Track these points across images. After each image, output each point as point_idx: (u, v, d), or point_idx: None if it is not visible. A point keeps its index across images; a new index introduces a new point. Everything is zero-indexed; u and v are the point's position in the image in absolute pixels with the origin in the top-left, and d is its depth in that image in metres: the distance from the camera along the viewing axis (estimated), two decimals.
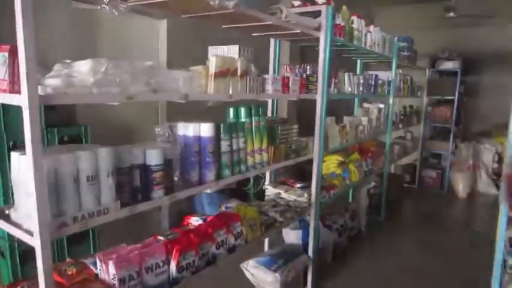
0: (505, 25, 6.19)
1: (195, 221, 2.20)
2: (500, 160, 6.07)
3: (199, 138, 1.82)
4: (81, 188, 1.34)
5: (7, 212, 1.39)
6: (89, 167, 1.34)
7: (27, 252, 2.22)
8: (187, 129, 1.81)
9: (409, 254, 3.73)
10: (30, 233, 1.24)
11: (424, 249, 3.84)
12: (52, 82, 1.21)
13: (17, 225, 1.32)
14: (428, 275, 3.29)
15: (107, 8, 1.50)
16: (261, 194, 3.83)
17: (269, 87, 2.19)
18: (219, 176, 1.92)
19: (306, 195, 2.78)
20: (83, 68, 1.29)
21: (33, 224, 1.20)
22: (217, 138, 1.88)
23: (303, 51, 4.86)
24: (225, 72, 1.82)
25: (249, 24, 2.23)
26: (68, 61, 1.33)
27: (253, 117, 2.14)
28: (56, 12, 2.64)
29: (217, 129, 1.88)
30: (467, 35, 6.56)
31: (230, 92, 1.89)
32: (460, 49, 6.36)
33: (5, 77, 1.18)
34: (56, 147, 1.46)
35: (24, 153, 1.20)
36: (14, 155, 1.30)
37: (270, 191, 2.93)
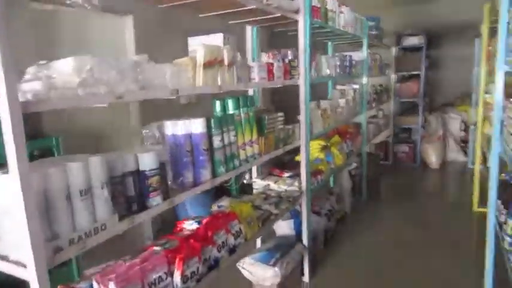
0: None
1: (189, 225, 2.10)
2: (466, 128, 6.37)
3: (190, 136, 1.72)
4: (74, 204, 1.20)
5: None
6: (81, 180, 1.21)
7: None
8: (176, 128, 1.69)
9: (393, 229, 3.83)
10: (22, 265, 1.10)
11: (406, 223, 3.96)
12: (31, 86, 1.06)
13: (3, 258, 1.17)
14: (414, 247, 3.40)
15: (80, 2, 1.35)
16: (243, 189, 3.76)
17: (255, 76, 2.11)
18: (214, 174, 1.83)
19: (296, 183, 2.75)
20: (66, 67, 1.14)
21: (25, 254, 1.06)
22: (208, 134, 1.79)
23: (271, 38, 4.78)
24: (212, 63, 1.72)
25: (227, 11, 2.13)
26: (44, 62, 1.18)
27: (241, 109, 2.05)
28: (11, 13, 2.39)
29: (207, 125, 1.78)
30: (428, 10, 6.74)
31: (219, 83, 1.79)
32: (423, 25, 6.54)
33: None
34: (38, 162, 1.30)
35: (5, 172, 1.06)
36: None
37: (258, 183, 2.87)
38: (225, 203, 2.39)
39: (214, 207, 2.38)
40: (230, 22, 2.51)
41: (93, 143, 2.94)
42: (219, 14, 2.21)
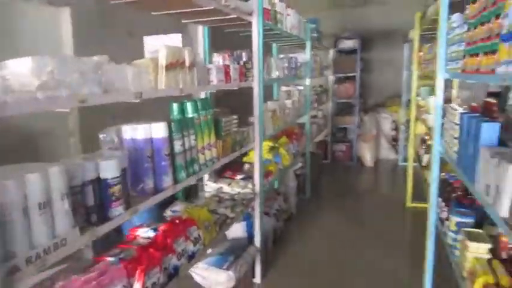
0: (390, 4, 6.93)
1: (144, 232, 2.02)
2: (396, 127, 6.92)
3: (151, 141, 1.65)
4: (32, 219, 1.10)
5: None
6: (41, 191, 1.11)
7: None
8: (136, 132, 1.62)
9: (336, 226, 4.03)
10: None
11: (347, 220, 4.19)
12: None
13: None
14: (355, 242, 3.61)
15: None
16: (187, 192, 3.68)
17: (213, 78, 2.09)
18: (175, 180, 1.78)
19: (249, 185, 2.77)
20: (23, 68, 1.04)
21: None
22: (169, 138, 1.73)
23: (218, 38, 4.75)
24: (174, 65, 1.67)
25: (183, 11, 2.07)
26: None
27: (200, 112, 2.02)
28: None
29: (169, 129, 1.72)
30: (362, 15, 7.17)
31: (180, 86, 1.74)
32: (358, 28, 6.94)
33: None
34: None
35: None
36: None
37: (211, 186, 2.84)
38: (178, 208, 2.34)
39: (168, 213, 2.31)
40: (184, 21, 2.45)
41: (26, 151, 2.67)
42: (173, 13, 2.15)
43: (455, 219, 1.90)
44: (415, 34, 4.44)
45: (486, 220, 1.86)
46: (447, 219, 2.06)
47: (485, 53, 1.44)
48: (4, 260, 1.03)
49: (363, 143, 6.51)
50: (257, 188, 2.78)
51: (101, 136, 1.54)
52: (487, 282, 1.47)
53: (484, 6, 1.50)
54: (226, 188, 2.78)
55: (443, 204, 2.20)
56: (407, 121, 5.87)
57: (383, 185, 5.90)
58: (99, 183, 1.37)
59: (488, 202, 1.33)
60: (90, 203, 1.35)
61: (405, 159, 6.00)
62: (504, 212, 1.19)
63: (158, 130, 1.64)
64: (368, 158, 6.46)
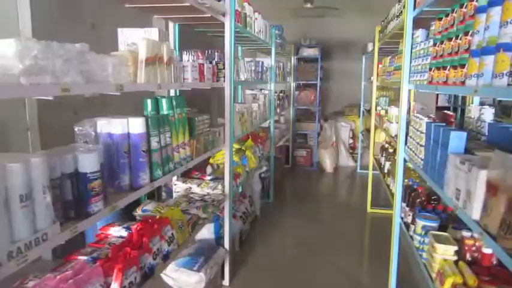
0: (349, 18, 7.26)
1: (116, 231, 1.96)
2: (354, 136, 7.21)
3: (128, 136, 1.62)
4: (12, 212, 1.05)
5: None
6: (22, 182, 1.06)
7: None
8: (113, 127, 1.58)
9: (299, 230, 4.10)
10: None
11: (310, 225, 4.28)
12: None
13: None
14: (317, 246, 3.70)
15: None
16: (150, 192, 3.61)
17: (188, 76, 2.09)
18: (151, 178, 1.76)
19: (219, 187, 2.78)
20: (7, 50, 1.00)
21: None
22: (147, 134, 1.71)
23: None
24: (153, 59, 1.66)
25: (158, 5, 2.06)
26: None
27: (175, 109, 2.01)
28: None
29: (146, 125, 1.70)
30: (322, 25, 7.45)
31: (158, 81, 1.73)
32: (319, 37, 7.19)
33: None
34: None
35: None
36: None
37: (180, 186, 2.81)
38: (149, 207, 2.29)
39: (138, 212, 2.26)
40: (155, 16, 2.43)
41: None
42: (147, 6, 2.13)
43: (421, 222, 2.02)
44: (375, 47, 4.68)
45: (450, 224, 2.00)
46: (412, 223, 2.19)
47: (454, 67, 1.57)
48: None
49: (323, 150, 6.71)
50: (227, 189, 2.79)
51: (76, 129, 1.49)
52: (456, 282, 1.57)
53: (451, 23, 1.64)
54: (195, 189, 2.76)
55: (407, 209, 2.33)
56: (367, 130, 6.15)
57: (343, 190, 6.09)
58: (78, 177, 1.32)
59: (458, 206, 1.44)
60: (69, 198, 1.31)
61: (363, 167, 6.27)
62: (476, 215, 1.29)
63: (136, 125, 1.61)
64: (328, 164, 6.66)
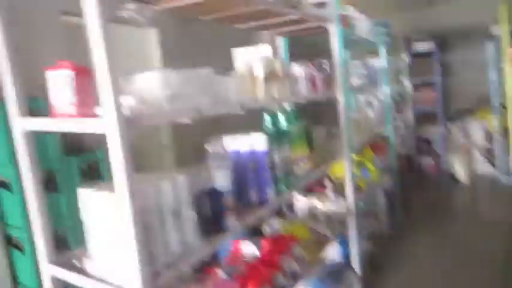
0: (457, 3, 6.73)
1: (246, 247, 2.11)
2: (491, 137, 6.49)
3: (254, 152, 1.77)
4: (166, 226, 1.23)
5: (75, 261, 1.26)
6: (173, 199, 1.25)
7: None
8: (239, 144, 1.75)
9: (435, 252, 3.80)
10: None
11: (447, 244, 3.92)
12: (127, 101, 1.12)
13: (100, 280, 1.18)
14: (457, 273, 3.36)
15: (134, 14, 1.44)
16: None
17: (302, 88, 2.19)
18: (277, 193, 1.87)
19: (342, 202, 2.78)
20: (153, 82, 1.21)
21: (130, 279, 1.08)
22: (269, 150, 1.84)
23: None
24: (270, 75, 1.80)
25: (264, 23, 2.24)
26: (126, 75, 1.24)
27: (293, 123, 2.12)
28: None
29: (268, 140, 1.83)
30: (434, 14, 7.04)
31: (276, 96, 1.86)
32: (431, 29, 6.80)
33: (71, 100, 1.08)
34: None
35: (97, 190, 1.11)
36: (86, 193, 1.18)
37: (301, 201, 2.89)
38: (275, 223, 2.41)
39: (266, 228, 2.39)
40: (264, 32, 2.63)
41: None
42: (256, 25, 2.32)
43: None
44: (503, 29, 4.22)
45: None
46: None
47: None
48: (149, 263, 1.16)
49: (454, 156, 6.19)
50: (350, 205, 2.78)
51: (208, 148, 1.68)
52: None
53: None
54: (317, 204, 2.81)
55: None
56: (505, 129, 5.51)
57: (485, 204, 5.44)
58: (215, 194, 1.49)
59: None
60: (207, 214, 1.47)
61: (507, 173, 5.56)
62: None
63: (260, 142, 1.75)
64: (461, 173, 6.11)
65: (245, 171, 1.74)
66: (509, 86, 4.27)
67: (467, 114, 6.87)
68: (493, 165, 6.26)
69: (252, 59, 1.80)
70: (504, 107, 5.07)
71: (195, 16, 2.05)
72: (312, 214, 2.71)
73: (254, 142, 1.76)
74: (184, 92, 1.29)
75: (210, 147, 1.68)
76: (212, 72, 1.50)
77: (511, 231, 4.11)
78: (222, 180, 1.49)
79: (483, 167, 6.36)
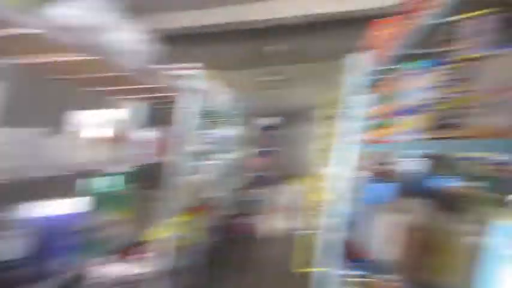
0: (301, 88, 7.91)
1: None
2: (296, 198, 7.52)
3: (61, 218, 1.70)
4: None
5: None
6: None
7: None
8: (49, 209, 1.66)
9: None
10: None
11: None
12: None
13: None
14: None
15: None
16: None
17: (138, 152, 2.23)
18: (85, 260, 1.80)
19: (154, 264, 2.80)
20: None
21: None
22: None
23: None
24: (108, 139, 1.81)
25: (118, 88, 2.26)
26: None
27: (119, 187, 2.12)
28: None
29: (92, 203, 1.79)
30: (281, 95, 8.05)
31: (107, 159, 1.86)
32: (277, 107, 7.72)
33: None
34: None
35: None
36: None
37: (113, 267, 2.79)
38: None
39: None
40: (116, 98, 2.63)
41: None
42: (105, 90, 2.33)
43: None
44: (317, 113, 5.04)
45: None
46: None
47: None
48: None
49: (268, 215, 6.94)
50: (161, 266, 2.83)
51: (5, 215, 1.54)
52: None
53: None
54: (130, 268, 2.76)
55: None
56: (308, 190, 6.46)
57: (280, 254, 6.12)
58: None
59: None
60: None
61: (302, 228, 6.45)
62: None
63: (73, 206, 1.70)
64: (271, 230, 6.83)
65: (50, 237, 1.64)
66: (318, 157, 5.10)
67: (285, 179, 7.92)
68: (293, 221, 7.19)
69: (95, 121, 1.79)
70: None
71: (49, 75, 1.95)
72: (119, 281, 2.65)
73: (67, 206, 1.69)
74: (7, 151, 1.20)
75: (7, 214, 1.55)
76: (38, 132, 1.43)
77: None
78: (15, 249, 1.39)
79: (288, 223, 7.27)
